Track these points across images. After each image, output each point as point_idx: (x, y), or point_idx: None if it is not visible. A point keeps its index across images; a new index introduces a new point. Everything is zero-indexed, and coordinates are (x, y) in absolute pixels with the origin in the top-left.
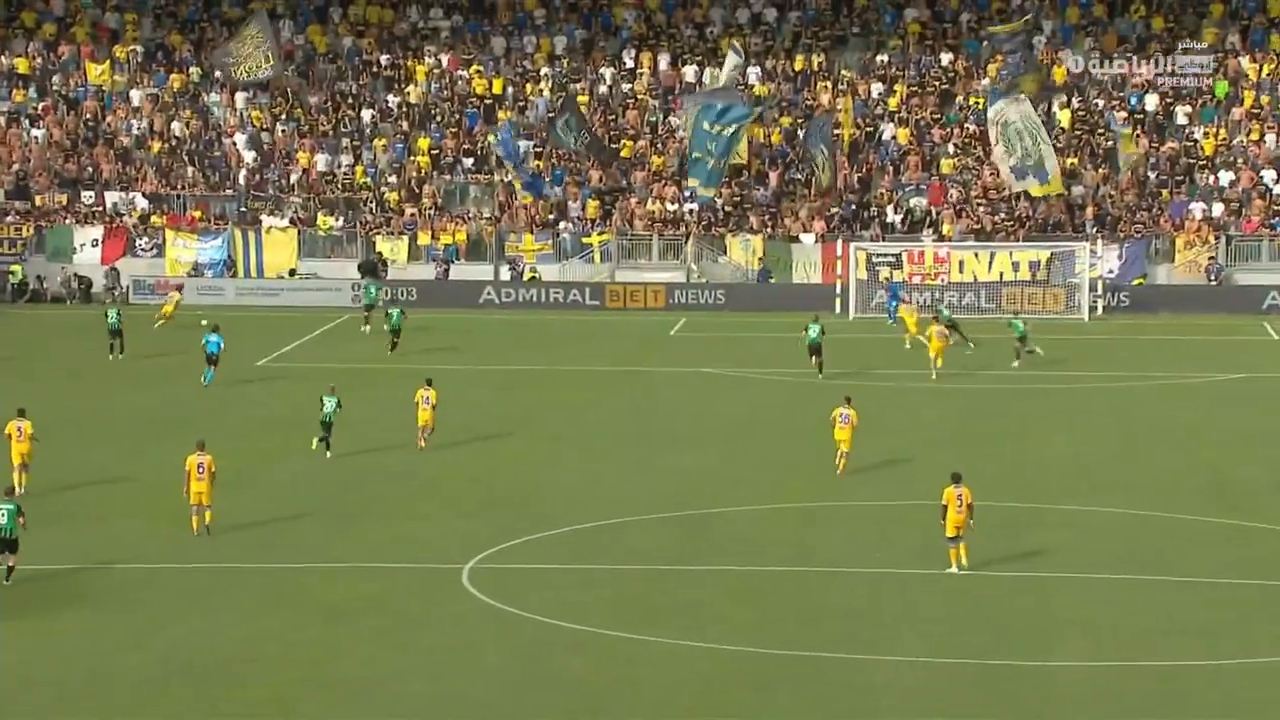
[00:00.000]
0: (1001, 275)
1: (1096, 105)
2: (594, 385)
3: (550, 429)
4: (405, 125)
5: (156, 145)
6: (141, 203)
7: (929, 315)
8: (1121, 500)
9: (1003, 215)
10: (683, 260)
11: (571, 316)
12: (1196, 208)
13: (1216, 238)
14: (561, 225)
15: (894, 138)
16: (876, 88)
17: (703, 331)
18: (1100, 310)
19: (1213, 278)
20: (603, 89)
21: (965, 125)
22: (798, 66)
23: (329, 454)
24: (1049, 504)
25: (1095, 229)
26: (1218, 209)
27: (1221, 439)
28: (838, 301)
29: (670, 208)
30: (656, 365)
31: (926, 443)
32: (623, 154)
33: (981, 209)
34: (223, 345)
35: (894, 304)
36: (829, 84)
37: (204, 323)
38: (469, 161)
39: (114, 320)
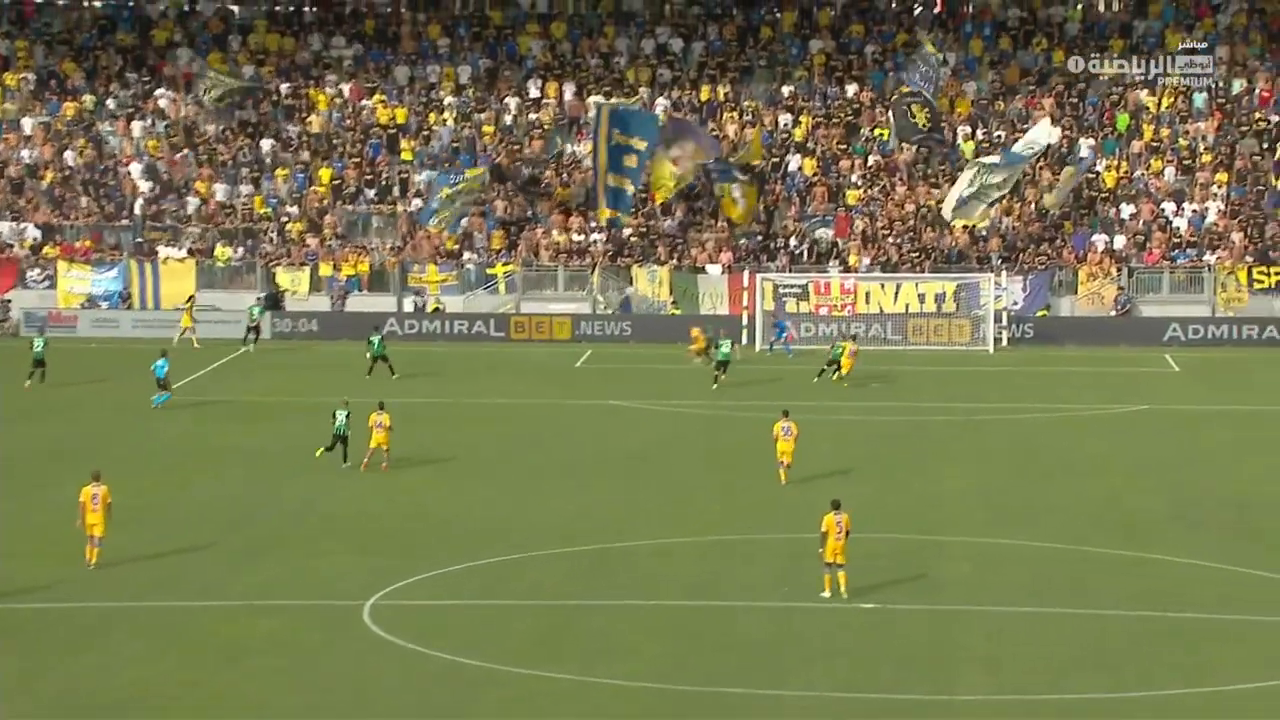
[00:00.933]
0: (907, 307)
1: (998, 138)
2: (498, 418)
3: (453, 463)
4: (306, 155)
5: (49, 175)
6: (33, 233)
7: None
8: (1024, 532)
9: (909, 247)
10: (589, 292)
11: (476, 348)
12: (1099, 240)
13: (1119, 270)
14: (466, 256)
15: (800, 169)
16: (783, 118)
17: (609, 364)
18: (1005, 342)
19: (1120, 309)
20: (507, 119)
21: (871, 156)
22: (704, 97)
23: (346, 463)
24: (951, 536)
25: (1000, 261)
26: (1120, 241)
27: (1123, 470)
28: (744, 333)
29: (576, 238)
30: (562, 398)
31: (829, 474)
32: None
33: (888, 240)
34: (168, 369)
35: (782, 336)
36: (735, 114)
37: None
38: (371, 192)
39: (39, 350)
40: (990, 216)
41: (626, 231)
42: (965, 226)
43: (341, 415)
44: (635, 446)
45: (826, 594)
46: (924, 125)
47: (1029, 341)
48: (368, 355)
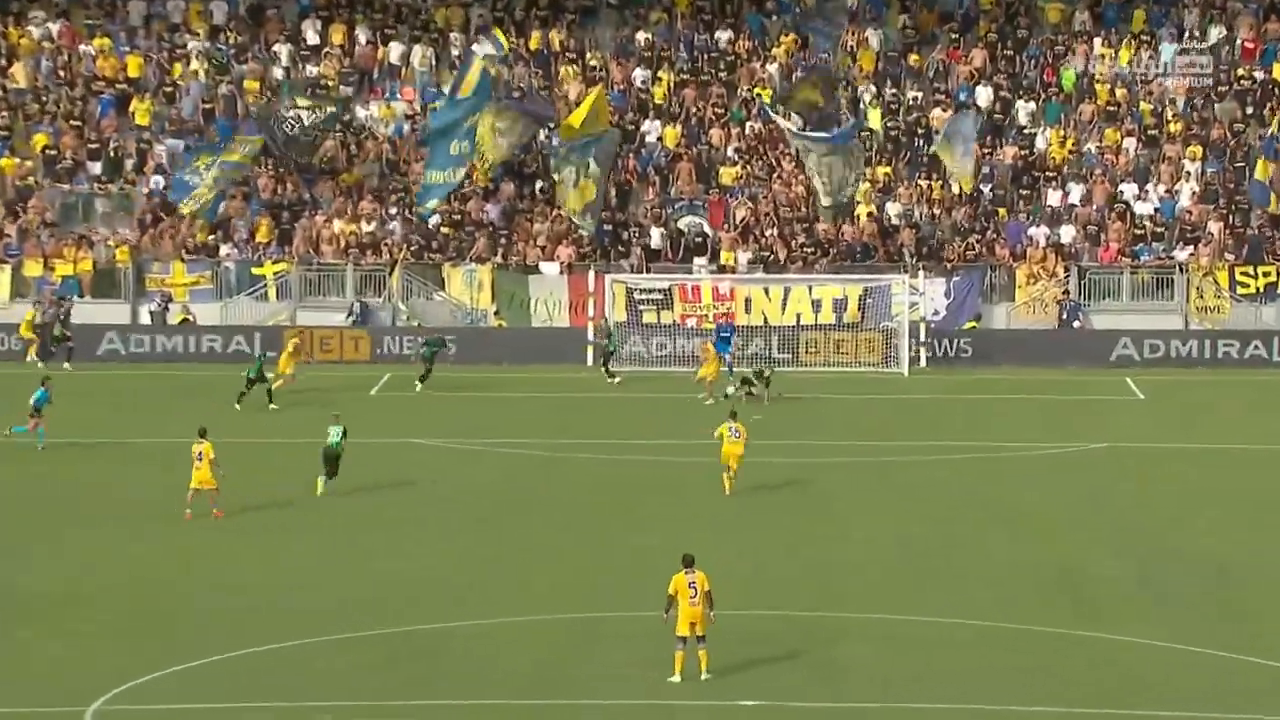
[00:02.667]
0: (799, 317)
1: (915, 99)
2: (269, 464)
3: (213, 521)
4: (4, 115)
5: None
6: None
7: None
8: (950, 606)
9: (801, 240)
10: (386, 299)
11: (237, 372)
12: (1040, 232)
13: (1066, 270)
14: (224, 251)
15: (660, 139)
16: (638, 74)
17: (412, 391)
18: (924, 362)
19: (1066, 318)
20: (277, 72)
21: (751, 124)
22: (534, 45)
23: (329, 486)
24: (855, 611)
25: (914, 258)
26: (1067, 233)
27: (1075, 525)
28: (589, 350)
29: (368, 229)
30: (352, 436)
31: (706, 529)
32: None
33: (773, 232)
34: (48, 399)
35: (726, 349)
36: (575, 69)
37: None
38: (95, 166)
39: None
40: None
41: (434, 220)
42: (869, 214)
43: (335, 431)
44: (454, 498)
45: (676, 678)
46: (816, 103)
47: (955, 361)
48: (246, 374)
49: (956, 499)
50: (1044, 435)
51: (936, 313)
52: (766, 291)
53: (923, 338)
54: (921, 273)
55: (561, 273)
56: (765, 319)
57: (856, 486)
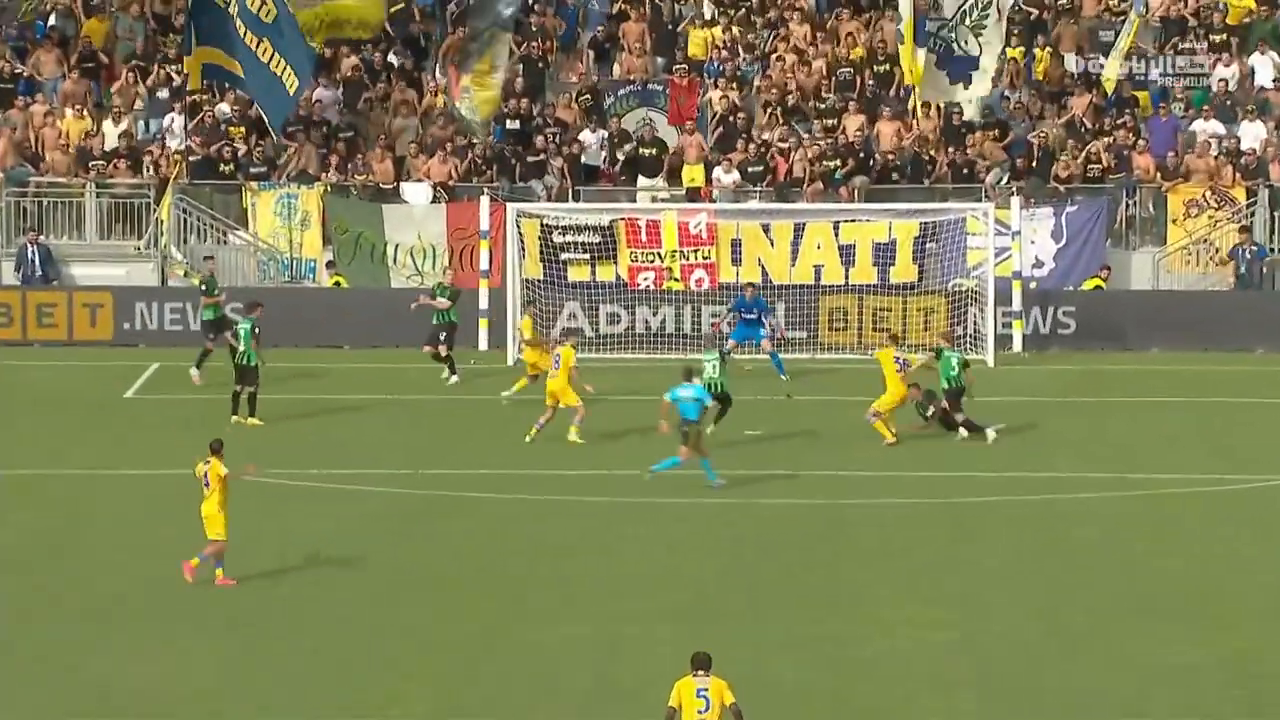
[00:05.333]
0: (819, 272)
1: None
2: None
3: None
4: None
5: None
6: None
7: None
8: (1099, 702)
9: (821, 148)
10: (151, 242)
11: None
12: (1206, 130)
13: (1251, 195)
14: None
15: None
16: None
17: (185, 392)
18: (1019, 344)
19: (1247, 273)
20: None
21: None
22: None
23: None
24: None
25: (1004, 177)
26: (1252, 135)
27: (1271, 605)
28: (484, 327)
29: (117, 128)
30: (96, 464)
31: (686, 607)
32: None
33: (775, 136)
34: None
35: (757, 339)
36: None
37: None
38: None
39: None
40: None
41: (223, 109)
42: (927, 106)
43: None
44: (249, 564)
45: None
46: None
47: (1069, 341)
48: (237, 351)
49: (1077, 558)
50: (1215, 462)
51: (1039, 264)
52: (766, 231)
53: (1017, 305)
54: (1016, 200)
55: (436, 200)
56: (766, 275)
57: (918, 542)
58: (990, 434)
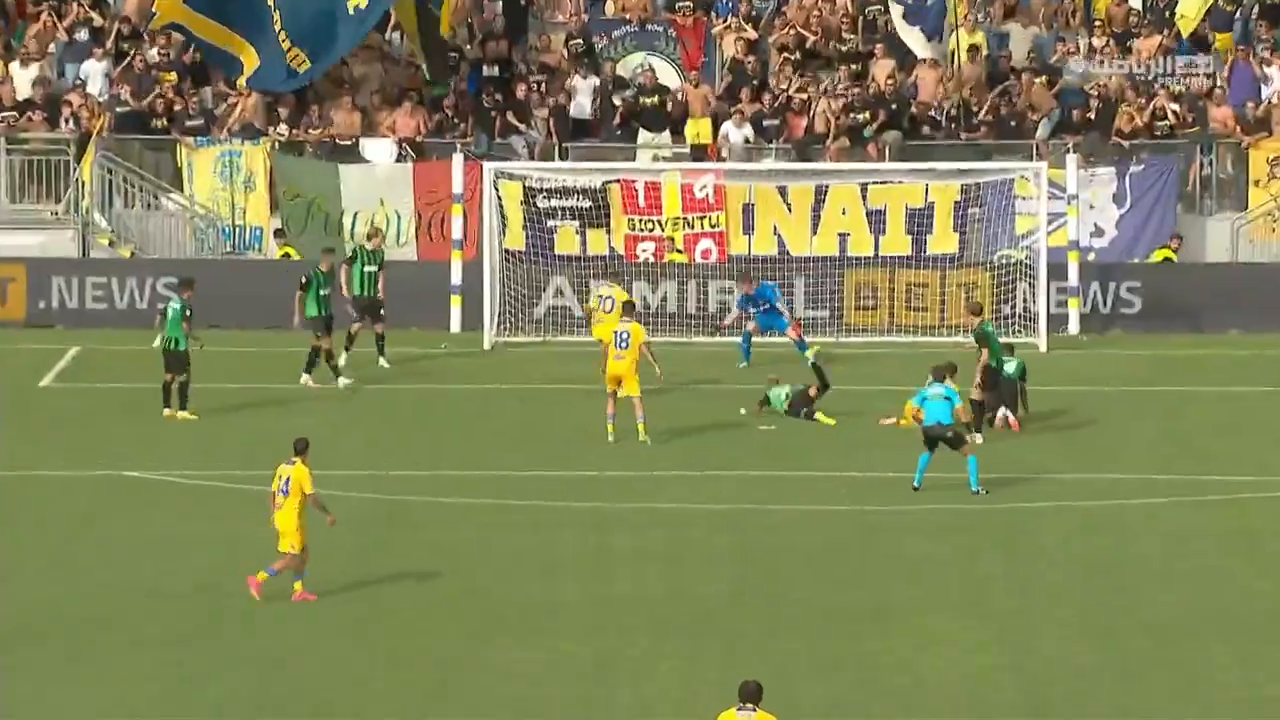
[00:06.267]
0: (844, 242)
1: None
2: None
3: None
4: None
5: None
6: None
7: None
8: None
9: (848, 99)
10: (66, 207)
11: None
12: None
13: None
14: None
15: None
16: None
17: (109, 379)
18: (1074, 326)
19: None
20: None
21: None
22: None
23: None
24: None
25: (1056, 132)
26: None
27: None
28: (456, 305)
29: (29, 74)
30: (18, 464)
31: (701, 617)
32: None
33: (793, 85)
34: None
35: (779, 323)
36: None
37: None
38: None
39: None
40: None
41: (154, 54)
42: (972, 50)
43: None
44: (191, 554)
45: None
46: None
47: (1134, 322)
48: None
49: (1151, 573)
50: None
51: (1099, 233)
52: (784, 195)
53: (1074, 280)
54: (1072, 158)
55: (402, 158)
56: (784, 246)
57: (965, 557)
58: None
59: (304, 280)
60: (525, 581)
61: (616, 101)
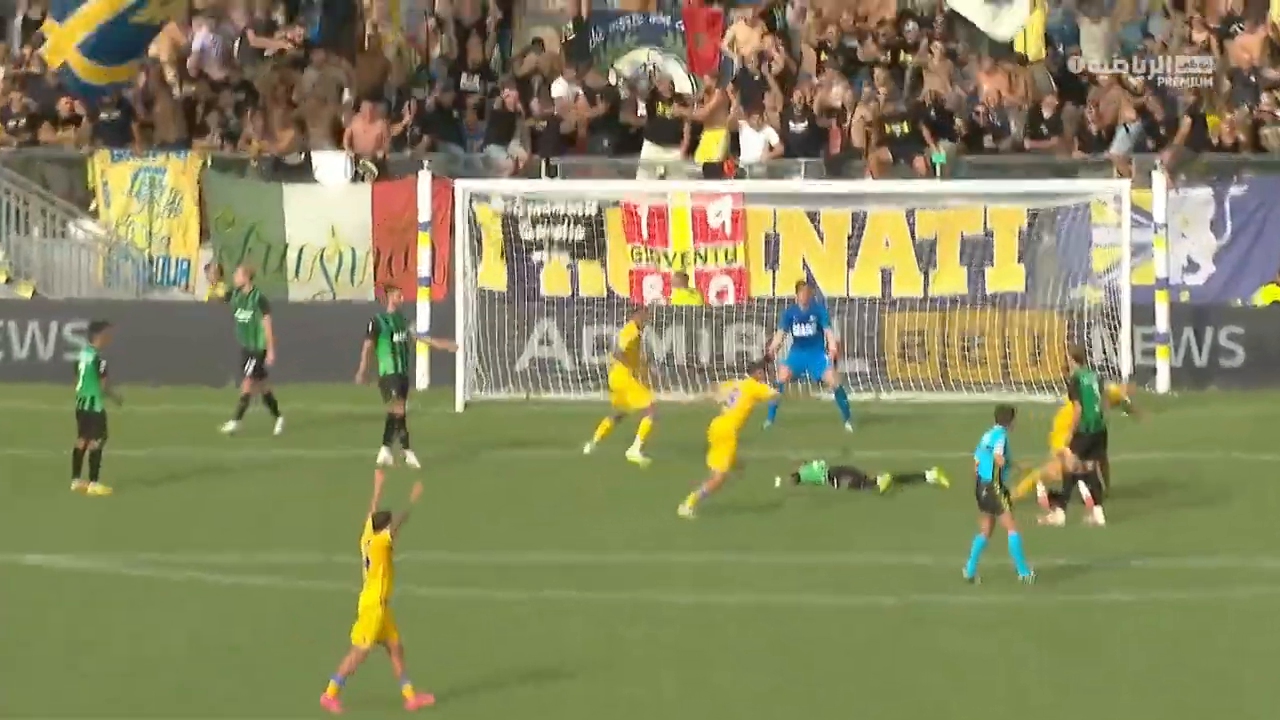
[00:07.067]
0: (887, 278)
1: None
2: None
3: None
4: None
5: None
6: None
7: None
8: None
9: (893, 104)
10: None
11: None
12: None
13: None
14: None
15: None
16: None
17: (7, 445)
18: (1167, 382)
19: None
20: None
21: None
22: None
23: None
24: None
25: (1138, 143)
26: None
27: None
28: (423, 354)
29: None
30: None
31: None
32: None
33: (832, 91)
34: None
35: (819, 363)
36: None
37: None
38: None
39: None
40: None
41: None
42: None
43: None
44: (94, 658)
45: None
46: None
47: (1237, 377)
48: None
49: (1260, 677)
50: None
51: (1194, 268)
52: (814, 222)
53: (1163, 326)
54: (1159, 177)
55: (358, 178)
56: (815, 283)
57: (1025, 652)
58: (1098, 516)
59: (371, 326)
60: (513, 683)
61: (622, 112)
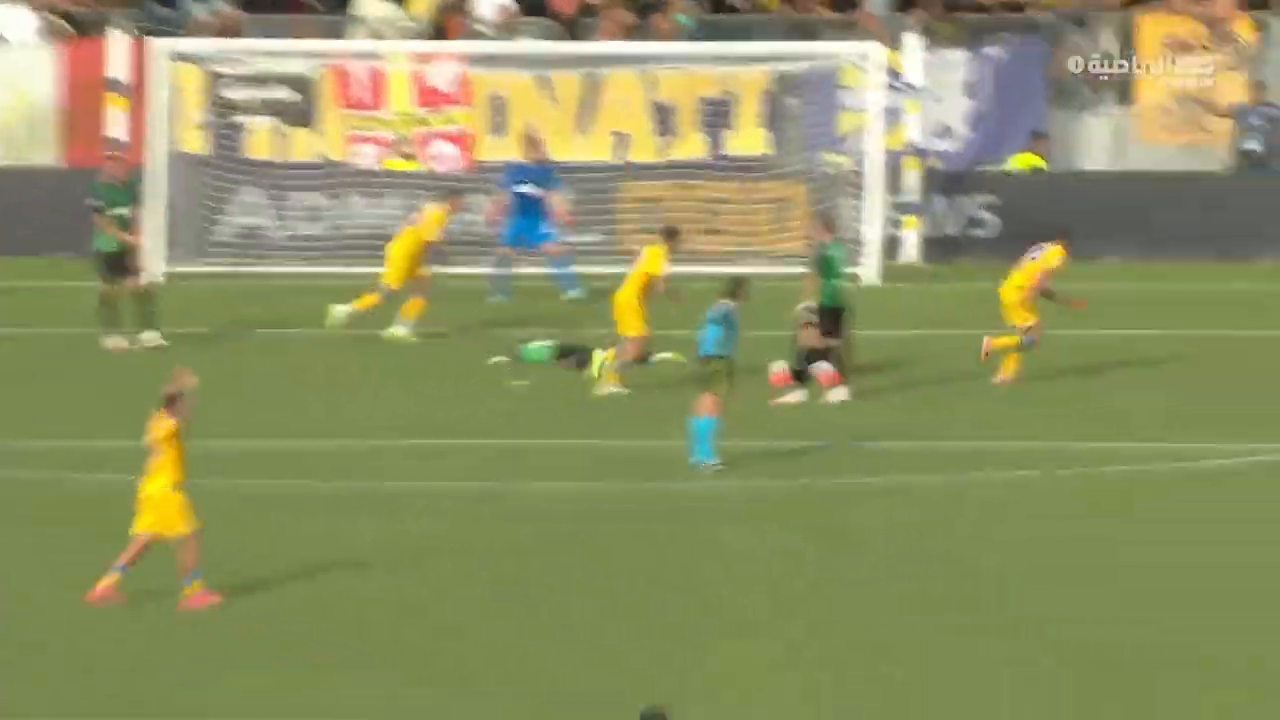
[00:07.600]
0: (623, 144)
1: None
2: None
3: None
4: None
5: None
6: None
7: None
8: None
9: None
10: None
11: None
12: None
13: (1262, 25)
14: None
15: None
16: None
17: None
18: (915, 252)
19: (1251, 145)
20: None
21: None
22: None
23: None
24: None
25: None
26: None
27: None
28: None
29: None
30: None
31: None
32: None
33: None
34: None
35: (538, 235)
36: None
37: None
38: None
39: None
40: None
41: None
42: None
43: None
44: None
45: None
46: None
47: (991, 247)
48: None
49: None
50: (1202, 428)
51: (946, 133)
52: (546, 84)
53: (915, 195)
54: (911, 38)
55: (49, 35)
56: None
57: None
58: (841, 393)
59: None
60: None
61: None
